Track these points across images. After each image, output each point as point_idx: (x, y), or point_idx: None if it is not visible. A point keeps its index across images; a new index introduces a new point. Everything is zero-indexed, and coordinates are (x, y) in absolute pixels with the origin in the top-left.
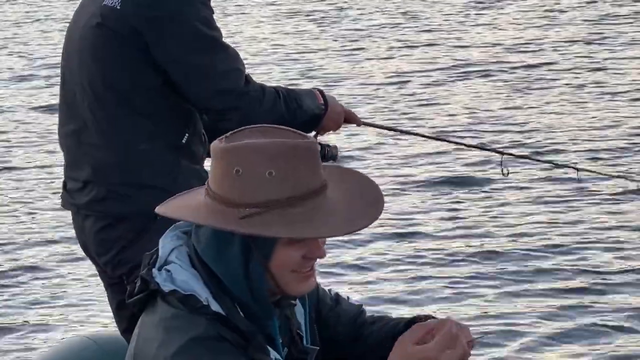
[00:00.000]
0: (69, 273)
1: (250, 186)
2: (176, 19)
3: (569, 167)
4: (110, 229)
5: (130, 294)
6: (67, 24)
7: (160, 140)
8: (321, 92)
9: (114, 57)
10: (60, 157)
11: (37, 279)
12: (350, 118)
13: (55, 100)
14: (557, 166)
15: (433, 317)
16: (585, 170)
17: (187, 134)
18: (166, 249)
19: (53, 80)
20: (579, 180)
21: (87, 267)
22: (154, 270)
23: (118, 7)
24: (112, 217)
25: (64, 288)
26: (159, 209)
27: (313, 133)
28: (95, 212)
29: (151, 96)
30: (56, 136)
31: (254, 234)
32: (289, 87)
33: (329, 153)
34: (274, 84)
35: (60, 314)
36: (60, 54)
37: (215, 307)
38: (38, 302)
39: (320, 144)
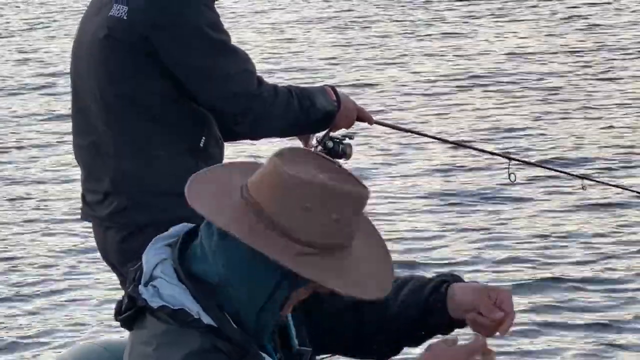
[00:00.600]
0: (82, 277)
1: (316, 226)
2: (183, 24)
3: (577, 177)
4: (132, 239)
5: (118, 312)
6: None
7: (178, 146)
8: (333, 88)
9: (124, 67)
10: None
11: (49, 281)
12: (362, 116)
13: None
14: (565, 174)
15: (458, 278)
16: (590, 180)
17: (203, 137)
18: (150, 264)
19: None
20: (583, 188)
21: (99, 272)
22: (140, 287)
23: (125, 17)
24: (135, 226)
25: (75, 292)
26: (190, 198)
27: (325, 131)
28: (117, 223)
29: (164, 102)
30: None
31: (309, 277)
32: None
33: (342, 150)
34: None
35: (70, 319)
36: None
37: (206, 319)
38: (47, 308)
39: (333, 140)
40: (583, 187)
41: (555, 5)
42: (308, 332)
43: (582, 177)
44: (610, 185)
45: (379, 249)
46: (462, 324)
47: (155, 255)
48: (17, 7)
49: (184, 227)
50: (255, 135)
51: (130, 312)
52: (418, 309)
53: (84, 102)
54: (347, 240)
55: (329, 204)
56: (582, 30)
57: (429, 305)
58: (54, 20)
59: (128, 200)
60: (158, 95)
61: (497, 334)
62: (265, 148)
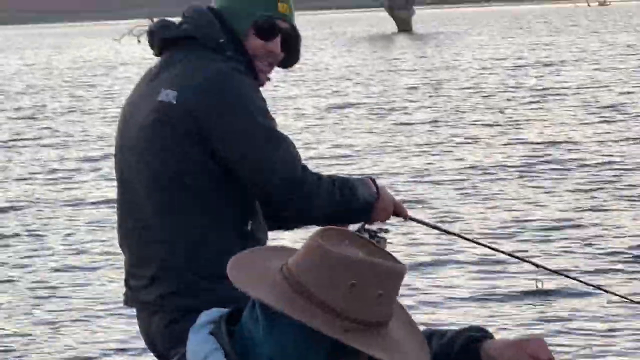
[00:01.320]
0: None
1: (360, 303)
2: (234, 111)
3: (606, 291)
4: (178, 323)
5: None
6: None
7: (227, 230)
8: (373, 180)
9: (174, 151)
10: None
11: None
12: (398, 210)
13: None
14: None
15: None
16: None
17: (250, 221)
18: (199, 356)
19: None
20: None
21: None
22: None
23: (174, 102)
24: (183, 311)
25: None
26: (233, 277)
27: (361, 223)
28: (164, 307)
29: (213, 186)
30: None
31: (360, 349)
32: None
33: (378, 243)
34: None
35: None
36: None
37: None
38: None
39: (369, 232)
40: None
41: (585, 95)
42: None
43: (612, 292)
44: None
45: (415, 336)
46: None
47: (201, 344)
48: (53, 90)
49: (217, 312)
50: (299, 222)
51: None
52: None
53: (131, 187)
54: (387, 318)
55: (372, 280)
56: (618, 122)
57: None
58: (91, 105)
59: (177, 285)
60: (207, 178)
61: None
62: (297, 236)
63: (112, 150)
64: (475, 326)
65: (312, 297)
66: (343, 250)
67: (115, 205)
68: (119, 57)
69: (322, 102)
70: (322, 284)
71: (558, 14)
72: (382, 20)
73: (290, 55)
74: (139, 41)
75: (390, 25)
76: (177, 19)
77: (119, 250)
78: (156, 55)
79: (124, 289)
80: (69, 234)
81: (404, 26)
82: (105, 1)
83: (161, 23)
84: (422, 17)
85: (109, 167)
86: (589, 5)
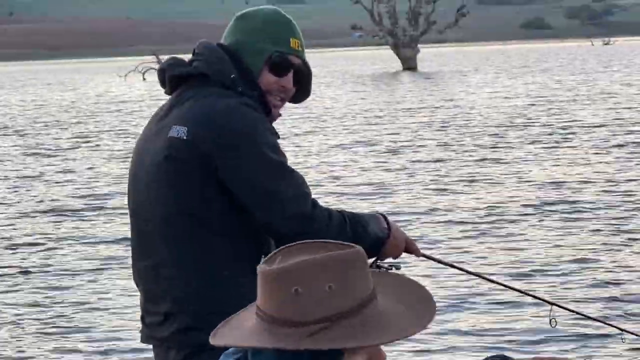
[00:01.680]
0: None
1: (311, 304)
2: (243, 146)
3: (622, 330)
4: (194, 358)
5: None
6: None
7: (241, 264)
8: (384, 216)
9: (186, 186)
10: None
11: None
12: (410, 247)
13: None
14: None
15: None
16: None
17: (263, 255)
18: None
19: None
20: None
21: None
22: None
23: (185, 137)
24: (198, 346)
25: None
26: (213, 341)
27: (373, 259)
28: (179, 342)
29: (226, 221)
30: None
31: (325, 348)
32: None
33: None
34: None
35: None
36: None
37: None
38: None
39: (380, 268)
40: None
41: (597, 134)
42: None
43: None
44: None
45: (410, 295)
46: None
47: None
48: (59, 126)
49: (235, 352)
50: None
51: None
52: None
53: (144, 224)
54: (357, 300)
55: (314, 278)
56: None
57: None
58: (99, 140)
59: (193, 321)
60: (220, 213)
61: None
62: None
63: (119, 187)
64: (499, 355)
65: (273, 320)
66: (278, 264)
67: (126, 242)
68: (125, 94)
69: (330, 140)
70: (271, 303)
71: (563, 53)
72: (387, 58)
73: (301, 90)
74: (144, 78)
75: (396, 64)
76: (183, 56)
77: (133, 287)
78: (167, 93)
79: (140, 326)
80: (77, 272)
81: (409, 64)
82: (109, 38)
83: (171, 60)
84: (427, 55)
85: (116, 204)
86: (592, 44)
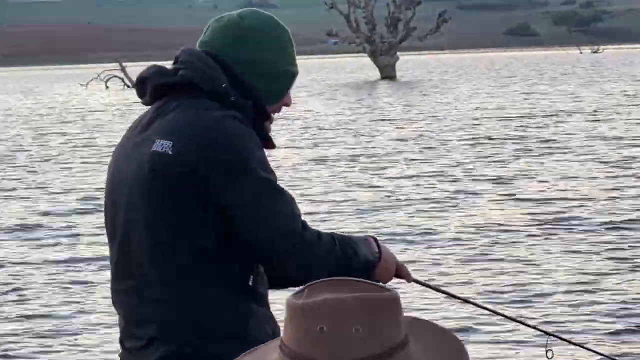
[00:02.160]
0: None
1: (335, 344)
2: (233, 161)
3: None
4: None
5: None
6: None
7: (228, 286)
8: (375, 240)
9: (171, 202)
10: None
11: None
12: (401, 272)
13: None
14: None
15: None
16: None
17: (252, 276)
18: None
19: None
20: None
21: None
22: None
23: (170, 152)
24: None
25: None
26: None
27: None
28: None
29: (213, 240)
30: None
31: None
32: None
33: None
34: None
35: None
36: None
37: None
38: None
39: None
40: None
41: (590, 148)
42: None
43: None
44: None
45: (443, 344)
46: None
47: None
48: (36, 142)
49: None
50: (297, 279)
51: None
52: None
53: (125, 244)
54: (385, 347)
55: (342, 319)
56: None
57: None
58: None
59: (178, 346)
60: (207, 231)
61: None
62: None
63: (88, 203)
64: None
65: (295, 356)
66: (306, 298)
67: (95, 262)
68: (87, 104)
69: (310, 154)
70: (294, 338)
71: (549, 62)
72: (364, 66)
73: None
74: (107, 87)
75: (373, 72)
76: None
77: (109, 309)
78: (147, 104)
79: (119, 350)
80: (41, 294)
81: (387, 72)
82: (67, 45)
83: (155, 69)
84: (406, 63)
85: (85, 221)
86: (580, 53)
